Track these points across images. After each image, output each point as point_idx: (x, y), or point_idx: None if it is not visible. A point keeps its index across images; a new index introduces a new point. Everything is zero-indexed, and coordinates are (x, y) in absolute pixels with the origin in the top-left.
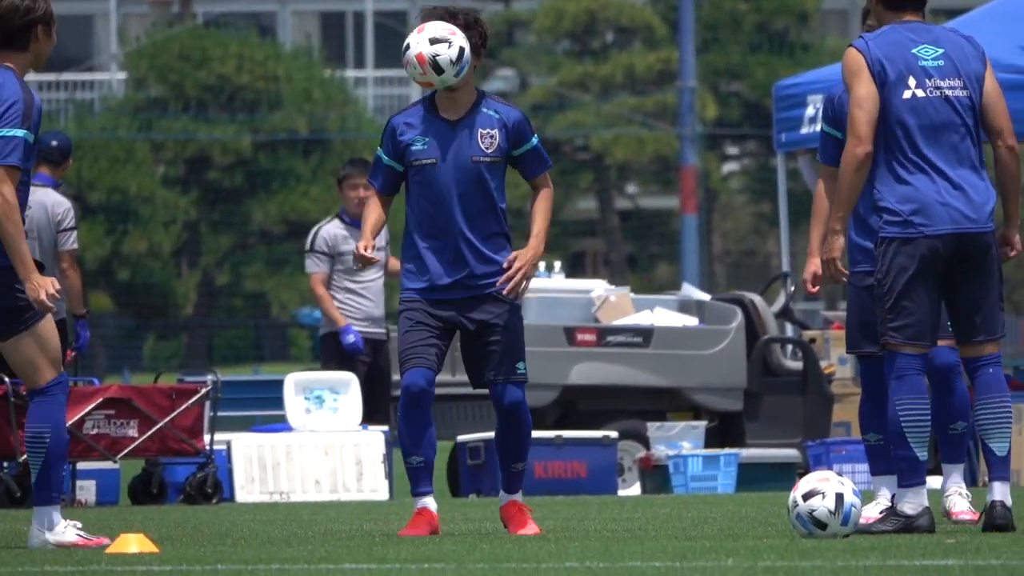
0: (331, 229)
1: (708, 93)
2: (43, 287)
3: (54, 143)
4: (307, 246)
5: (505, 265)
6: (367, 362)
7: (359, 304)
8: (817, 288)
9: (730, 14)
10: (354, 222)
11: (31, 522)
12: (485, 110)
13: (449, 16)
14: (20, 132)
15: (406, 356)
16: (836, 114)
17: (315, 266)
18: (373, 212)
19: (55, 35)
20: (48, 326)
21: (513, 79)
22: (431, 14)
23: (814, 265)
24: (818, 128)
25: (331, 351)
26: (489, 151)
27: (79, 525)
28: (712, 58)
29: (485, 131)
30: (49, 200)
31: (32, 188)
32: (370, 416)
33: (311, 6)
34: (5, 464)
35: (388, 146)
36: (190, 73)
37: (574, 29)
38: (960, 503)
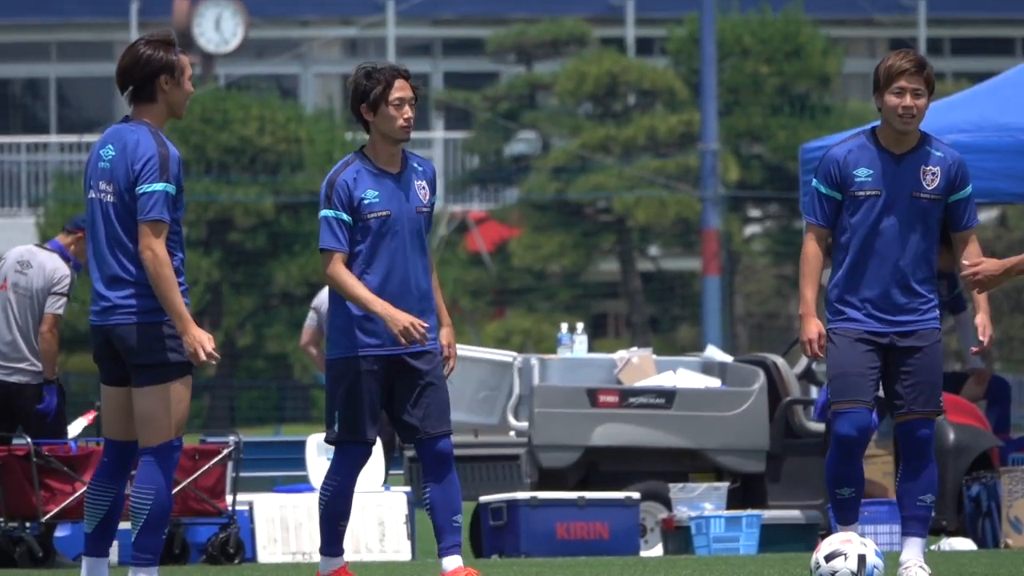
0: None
1: (730, 155)
2: (201, 342)
3: (75, 216)
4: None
5: (446, 351)
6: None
7: None
8: (819, 352)
9: (751, 77)
10: None
11: None
12: (414, 164)
13: (365, 73)
14: (159, 186)
15: (358, 426)
16: (841, 177)
17: (308, 321)
18: (354, 279)
19: (187, 82)
20: (181, 389)
21: (535, 141)
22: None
23: (815, 325)
24: None
25: None
26: (426, 201)
27: None
28: (734, 121)
29: (421, 182)
30: (50, 265)
31: (40, 250)
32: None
33: (333, 68)
34: (28, 524)
35: (338, 202)
36: (212, 135)
37: (596, 92)
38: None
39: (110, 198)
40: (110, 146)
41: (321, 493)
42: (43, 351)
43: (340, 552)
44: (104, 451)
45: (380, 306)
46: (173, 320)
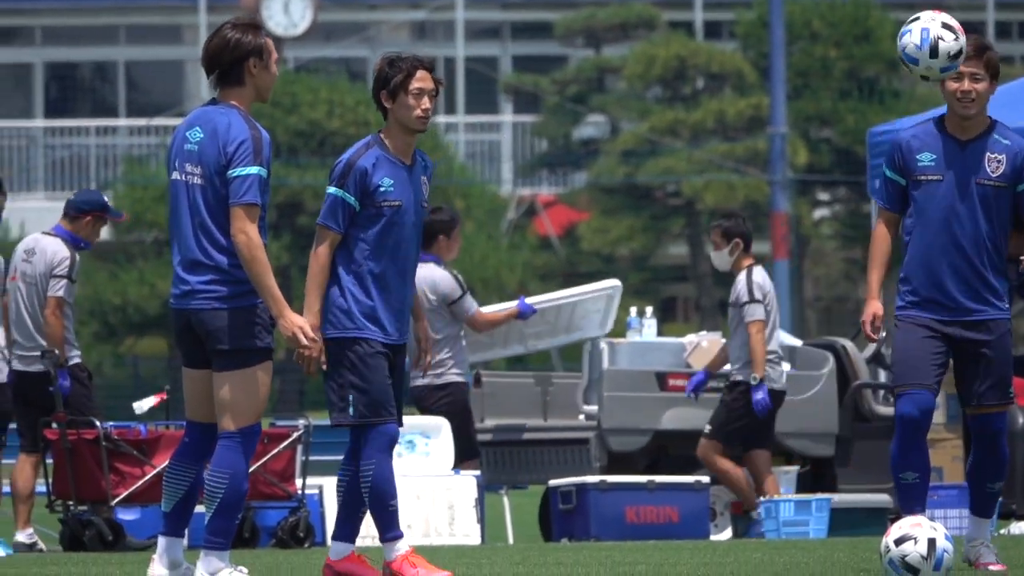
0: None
1: (799, 139)
2: (297, 326)
3: (71, 198)
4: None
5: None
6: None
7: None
8: (878, 334)
9: (820, 61)
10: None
11: (197, 564)
12: (419, 159)
13: (389, 61)
14: (253, 170)
15: (383, 406)
16: (904, 161)
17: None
18: (323, 275)
19: (274, 65)
20: (261, 375)
21: (604, 125)
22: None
23: (873, 308)
24: None
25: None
26: (426, 195)
27: (244, 571)
28: (802, 104)
29: (424, 178)
30: (51, 248)
31: (44, 237)
32: (463, 455)
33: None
34: (97, 507)
35: (352, 185)
36: (281, 118)
37: (665, 75)
38: (987, 554)
39: (197, 180)
40: (197, 128)
41: (363, 481)
42: (48, 335)
43: (400, 535)
44: (185, 432)
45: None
46: (267, 303)
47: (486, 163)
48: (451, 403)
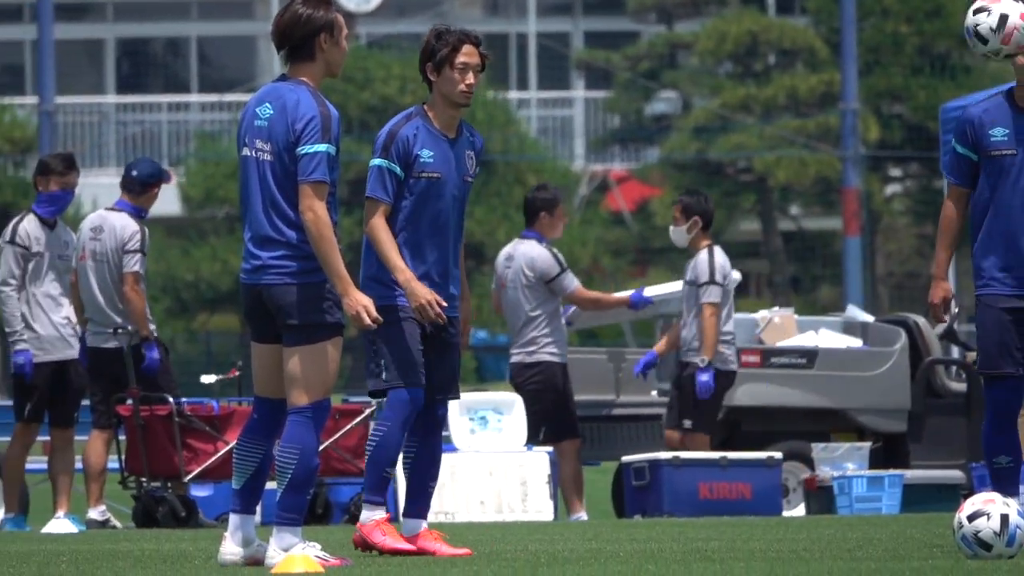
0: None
1: (870, 115)
2: (361, 304)
3: (133, 173)
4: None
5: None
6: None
7: None
8: (947, 313)
9: (892, 36)
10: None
11: (270, 540)
12: (466, 133)
13: (436, 33)
14: (322, 147)
15: (412, 370)
16: (976, 137)
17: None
18: (391, 239)
19: (344, 41)
20: (330, 350)
21: (676, 101)
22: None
23: (942, 290)
24: None
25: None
26: (472, 171)
27: (317, 546)
28: (874, 80)
29: (470, 152)
30: (119, 223)
31: (109, 213)
32: (558, 435)
33: (474, 27)
34: (170, 484)
35: (395, 154)
36: (353, 94)
37: (736, 51)
38: None
39: (267, 157)
40: (267, 104)
41: (371, 438)
42: (130, 311)
43: (383, 502)
44: (254, 408)
45: (404, 277)
46: (333, 281)
47: (558, 139)
48: (541, 381)
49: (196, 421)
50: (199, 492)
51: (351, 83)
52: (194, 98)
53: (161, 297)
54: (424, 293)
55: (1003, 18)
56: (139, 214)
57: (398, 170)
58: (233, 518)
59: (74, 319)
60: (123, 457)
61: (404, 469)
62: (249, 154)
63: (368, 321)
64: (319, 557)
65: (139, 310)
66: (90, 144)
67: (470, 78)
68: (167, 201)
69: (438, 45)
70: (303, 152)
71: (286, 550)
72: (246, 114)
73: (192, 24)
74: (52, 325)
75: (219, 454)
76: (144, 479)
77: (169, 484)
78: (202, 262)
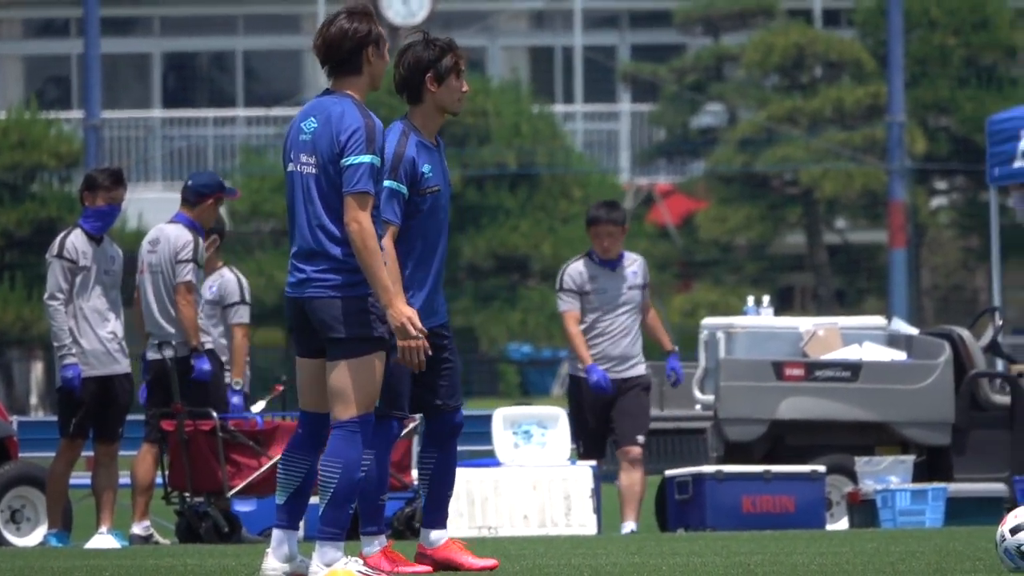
0: (578, 267)
1: (917, 127)
2: (406, 316)
3: (188, 183)
4: (557, 285)
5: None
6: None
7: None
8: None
9: (939, 49)
10: (603, 263)
11: (312, 555)
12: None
13: (425, 42)
14: (366, 158)
15: (399, 399)
16: None
17: (565, 304)
18: (396, 267)
19: (387, 55)
20: (374, 364)
21: (722, 114)
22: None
23: None
24: None
25: (575, 390)
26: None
27: (360, 562)
28: (920, 92)
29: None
30: (174, 234)
31: (166, 226)
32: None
33: (520, 41)
34: (213, 499)
35: (403, 175)
36: (399, 107)
37: (783, 63)
38: None
39: (312, 170)
40: (312, 119)
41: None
42: (180, 320)
43: (381, 529)
44: (299, 423)
45: (400, 312)
46: (378, 293)
47: (604, 152)
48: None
49: (240, 436)
50: (242, 507)
51: (395, 97)
52: (240, 112)
53: None
54: (406, 311)
55: None
56: (194, 226)
57: (405, 191)
58: (276, 533)
59: (120, 333)
60: (167, 472)
61: (422, 480)
62: (294, 169)
63: (413, 332)
64: (361, 572)
65: (189, 320)
66: (136, 159)
67: (466, 84)
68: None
69: (438, 54)
70: (348, 163)
71: (328, 565)
72: (292, 129)
73: (238, 39)
74: (98, 340)
75: (263, 469)
76: (187, 494)
77: (213, 499)
78: (248, 277)
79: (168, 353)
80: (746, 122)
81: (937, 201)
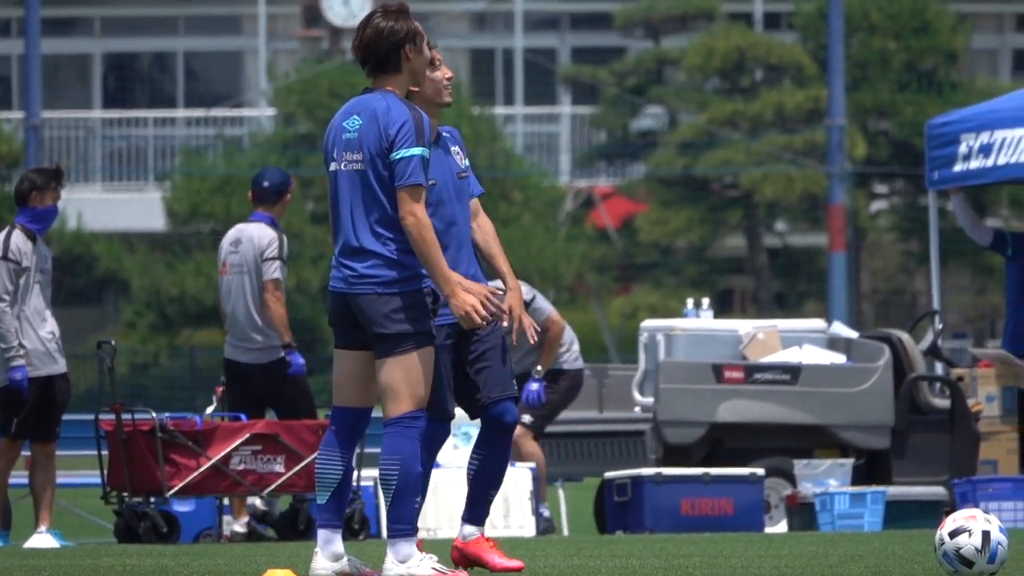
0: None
1: (857, 131)
2: (470, 304)
3: (265, 183)
4: None
5: (512, 314)
6: None
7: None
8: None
9: (879, 53)
10: None
11: (387, 553)
12: (443, 134)
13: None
14: (417, 150)
15: (439, 405)
16: None
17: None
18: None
19: (425, 49)
20: (424, 358)
21: (662, 116)
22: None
23: None
24: (971, 166)
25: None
26: (463, 165)
27: (435, 558)
28: (861, 96)
29: (455, 147)
30: (257, 233)
31: (247, 225)
32: None
33: (461, 42)
34: (152, 499)
35: (427, 142)
36: (338, 109)
37: (723, 67)
38: None
39: (359, 167)
40: (355, 116)
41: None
42: (271, 317)
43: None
44: (332, 419)
45: (451, 289)
46: (438, 284)
47: (544, 154)
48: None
49: (179, 436)
50: (181, 507)
51: (337, 99)
52: (180, 113)
53: (145, 312)
54: (468, 300)
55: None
56: (275, 224)
57: (427, 153)
58: (321, 533)
59: (57, 333)
60: (105, 472)
61: (469, 475)
62: (338, 168)
63: (479, 321)
64: (435, 569)
65: (279, 316)
66: (76, 159)
67: (447, 71)
68: (152, 216)
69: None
70: (398, 157)
71: (403, 561)
72: (332, 129)
73: (179, 39)
74: (39, 340)
75: (201, 469)
76: (126, 494)
77: (151, 499)
78: (187, 277)
79: (262, 357)
80: (686, 125)
81: (877, 205)
